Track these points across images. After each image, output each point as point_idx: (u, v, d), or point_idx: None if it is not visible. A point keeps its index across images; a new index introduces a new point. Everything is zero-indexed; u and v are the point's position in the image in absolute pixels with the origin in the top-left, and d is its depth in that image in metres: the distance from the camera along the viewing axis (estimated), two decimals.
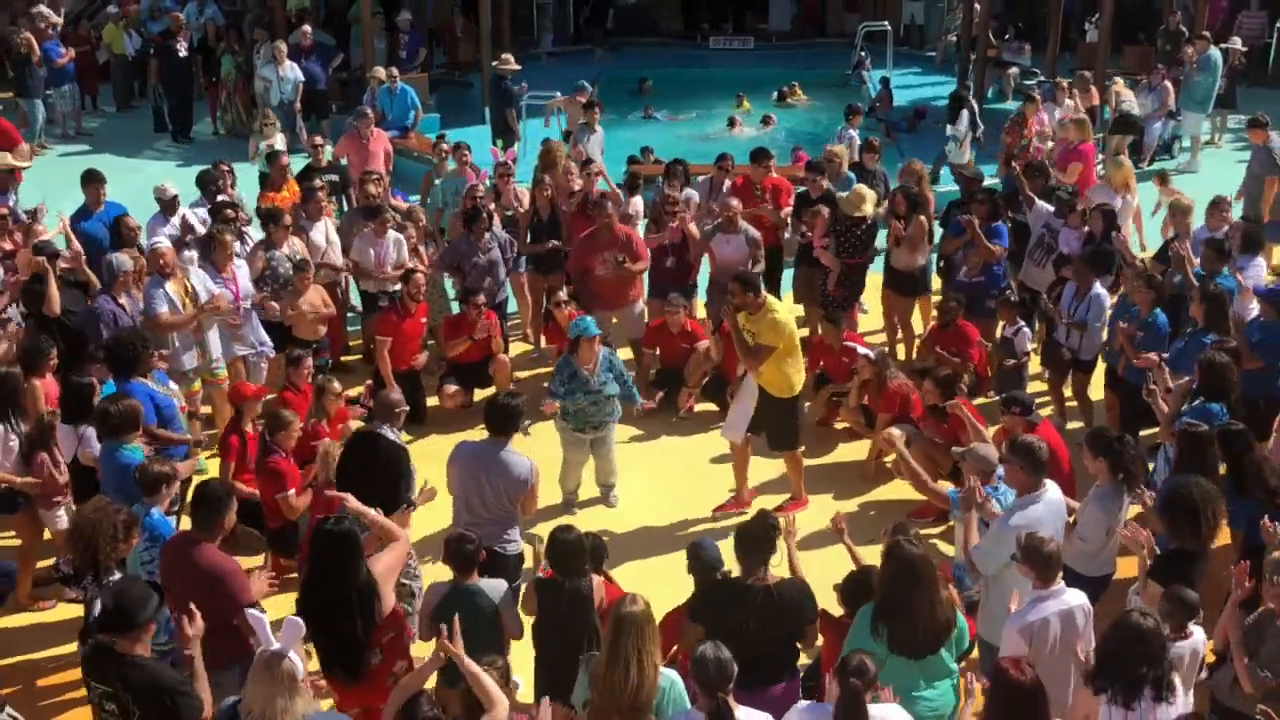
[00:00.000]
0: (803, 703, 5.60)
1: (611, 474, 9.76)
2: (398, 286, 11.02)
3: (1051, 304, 10.53)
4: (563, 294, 11.37)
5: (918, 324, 12.13)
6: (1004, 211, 11.49)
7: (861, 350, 10.26)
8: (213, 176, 11.93)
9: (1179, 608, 5.98)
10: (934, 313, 11.65)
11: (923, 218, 11.36)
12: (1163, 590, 6.21)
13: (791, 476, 9.60)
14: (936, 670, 5.94)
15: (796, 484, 9.59)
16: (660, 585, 6.71)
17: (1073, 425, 10.28)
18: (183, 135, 19.26)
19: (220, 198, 11.63)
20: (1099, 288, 10.09)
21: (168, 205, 11.35)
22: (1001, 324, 10.63)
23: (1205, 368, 8.03)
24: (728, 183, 12.48)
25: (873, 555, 7.31)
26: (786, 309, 9.32)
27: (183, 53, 19.00)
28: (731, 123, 20.13)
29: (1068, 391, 10.58)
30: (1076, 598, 6.10)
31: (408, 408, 8.26)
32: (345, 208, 13.61)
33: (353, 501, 6.61)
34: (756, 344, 8.91)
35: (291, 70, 18.28)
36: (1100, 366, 10.37)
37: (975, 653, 6.72)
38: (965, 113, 15.83)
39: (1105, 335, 10.19)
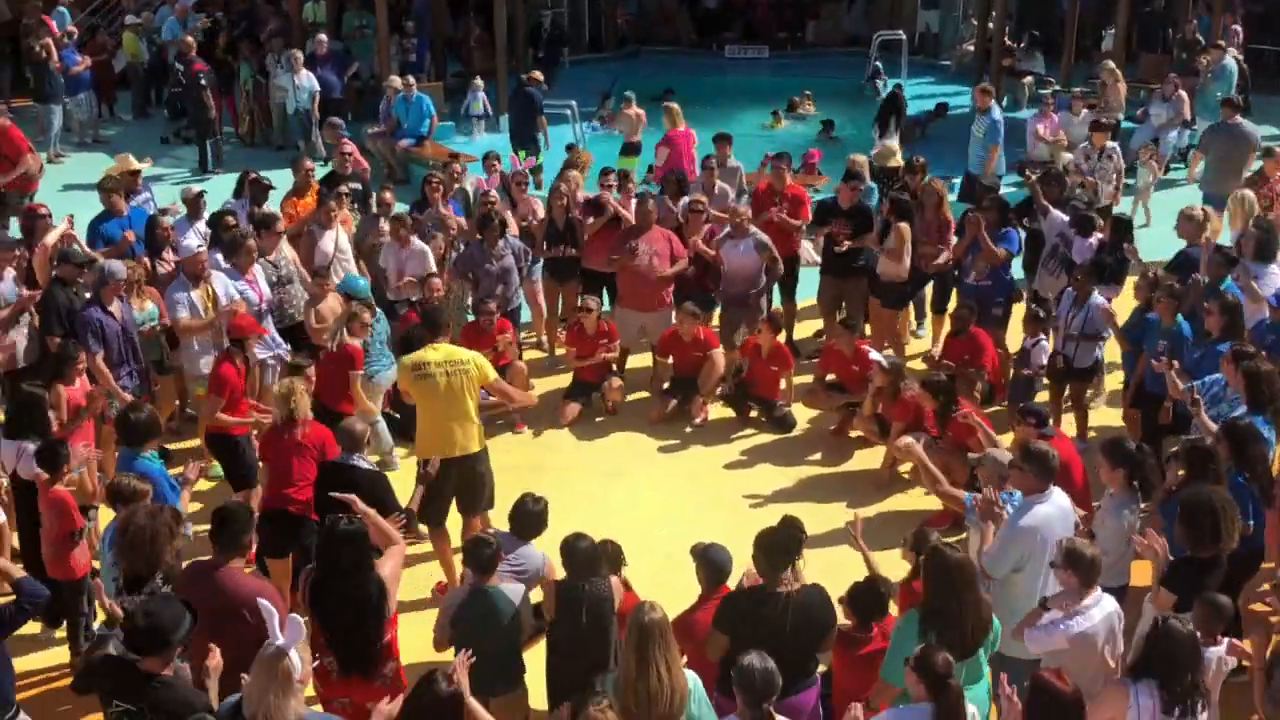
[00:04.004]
0: (899, 707, 5.53)
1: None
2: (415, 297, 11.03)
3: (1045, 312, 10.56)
4: (591, 300, 11.24)
5: (926, 340, 12.29)
6: (1014, 218, 11.47)
7: (874, 356, 10.23)
8: (262, 184, 12.11)
9: (1212, 613, 5.97)
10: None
11: (904, 225, 11.24)
12: (1175, 598, 6.22)
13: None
14: (974, 672, 5.95)
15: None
16: (672, 592, 6.71)
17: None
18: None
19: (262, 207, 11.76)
20: (1098, 296, 10.08)
21: (193, 207, 11.46)
22: (1024, 336, 10.58)
23: (1249, 378, 7.93)
24: (720, 184, 12.56)
25: (888, 562, 7.34)
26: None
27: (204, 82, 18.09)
28: (829, 125, 20.09)
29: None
30: (1111, 603, 6.14)
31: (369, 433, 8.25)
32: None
33: (359, 504, 6.68)
34: None
35: (307, 79, 18.35)
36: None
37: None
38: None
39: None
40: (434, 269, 11.06)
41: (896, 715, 5.43)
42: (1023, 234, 11.81)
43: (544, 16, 21.01)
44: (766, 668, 5.26)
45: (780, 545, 6.30)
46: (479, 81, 18.13)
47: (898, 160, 14.10)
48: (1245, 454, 7.32)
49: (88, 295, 9.60)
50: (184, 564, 6.71)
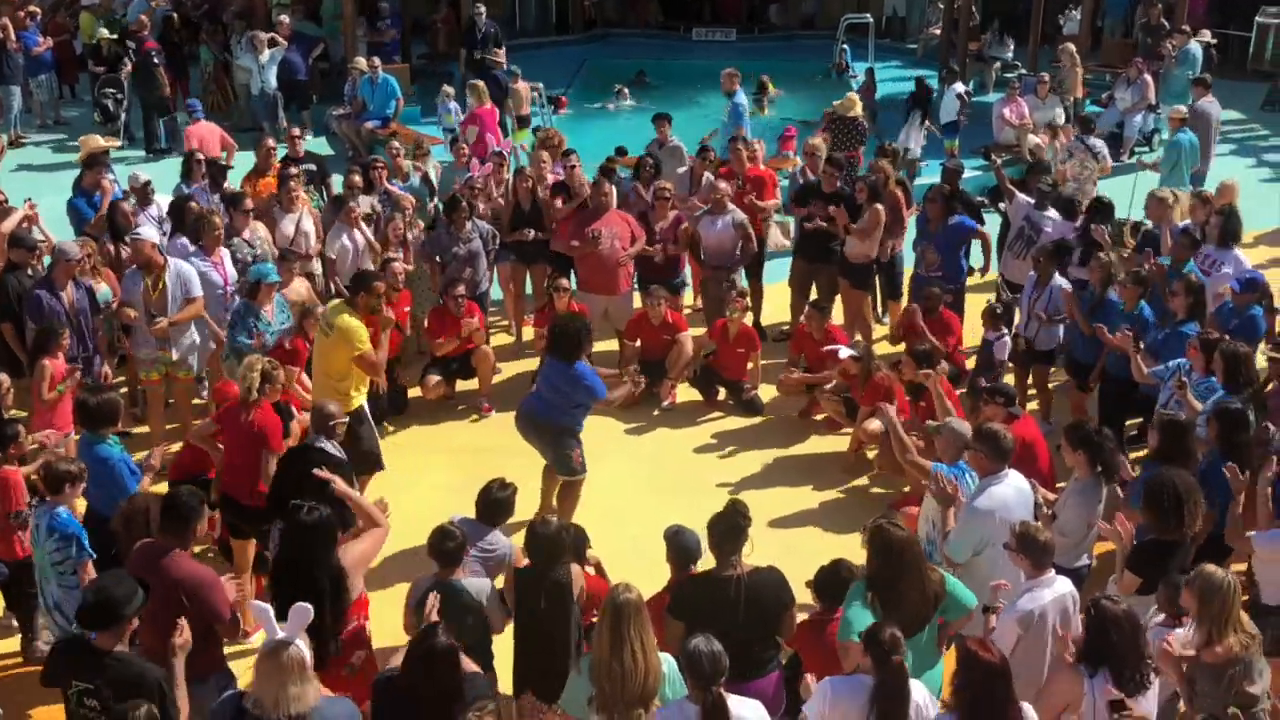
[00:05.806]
0: (837, 676, 5.52)
1: None
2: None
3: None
4: (564, 280, 11.13)
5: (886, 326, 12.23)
6: (960, 206, 11.47)
7: (844, 352, 10.16)
8: (219, 164, 12.06)
9: (1176, 595, 6.00)
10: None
11: (879, 207, 11.19)
12: (1140, 580, 6.25)
13: None
14: (926, 657, 5.93)
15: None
16: (639, 574, 6.68)
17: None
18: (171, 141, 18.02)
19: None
20: (1059, 279, 10.11)
21: (141, 195, 11.32)
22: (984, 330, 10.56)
23: (1227, 360, 7.99)
24: (708, 175, 12.47)
25: (852, 545, 7.34)
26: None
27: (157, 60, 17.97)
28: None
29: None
30: (1065, 585, 6.15)
31: (345, 418, 7.86)
32: (324, 198, 13.49)
33: (340, 484, 6.62)
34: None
35: (271, 59, 18.12)
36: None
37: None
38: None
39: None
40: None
41: (837, 683, 5.43)
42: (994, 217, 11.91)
43: (477, 14, 20.79)
44: (713, 650, 5.23)
45: (726, 529, 6.29)
46: (449, 90, 17.88)
47: (857, 110, 14.47)
48: (1233, 439, 7.34)
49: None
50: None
